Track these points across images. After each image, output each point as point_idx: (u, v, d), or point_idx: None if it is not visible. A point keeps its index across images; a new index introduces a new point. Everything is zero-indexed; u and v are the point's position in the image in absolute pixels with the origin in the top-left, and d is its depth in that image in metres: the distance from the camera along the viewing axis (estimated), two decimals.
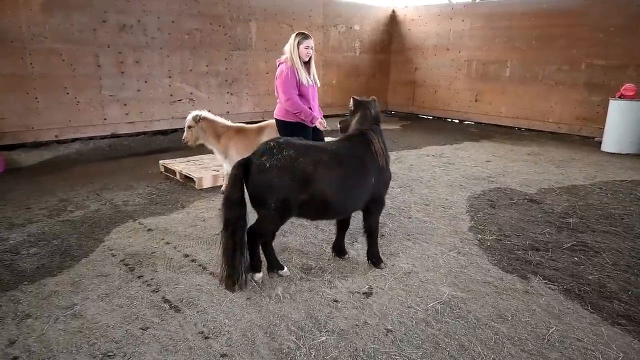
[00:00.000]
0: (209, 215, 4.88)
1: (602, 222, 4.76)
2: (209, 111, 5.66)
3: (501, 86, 10.97)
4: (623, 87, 8.27)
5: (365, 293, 3.32)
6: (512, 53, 10.65)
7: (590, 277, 3.60)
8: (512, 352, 2.68)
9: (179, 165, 6.30)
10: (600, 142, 8.69)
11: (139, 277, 3.52)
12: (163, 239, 4.25)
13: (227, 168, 5.55)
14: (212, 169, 6.17)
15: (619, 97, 8.27)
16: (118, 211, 4.98)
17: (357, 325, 2.92)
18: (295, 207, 3.23)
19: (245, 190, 3.23)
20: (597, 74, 9.32)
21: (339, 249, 3.88)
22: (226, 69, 9.75)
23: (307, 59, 4.56)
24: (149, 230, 4.46)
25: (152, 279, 3.49)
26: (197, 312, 3.04)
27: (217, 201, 5.32)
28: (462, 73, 11.73)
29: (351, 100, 3.78)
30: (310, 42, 4.50)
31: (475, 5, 11.34)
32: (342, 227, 3.82)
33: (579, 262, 3.86)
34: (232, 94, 9.96)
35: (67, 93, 7.68)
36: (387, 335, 2.82)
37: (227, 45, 9.65)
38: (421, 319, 2.99)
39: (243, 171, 3.16)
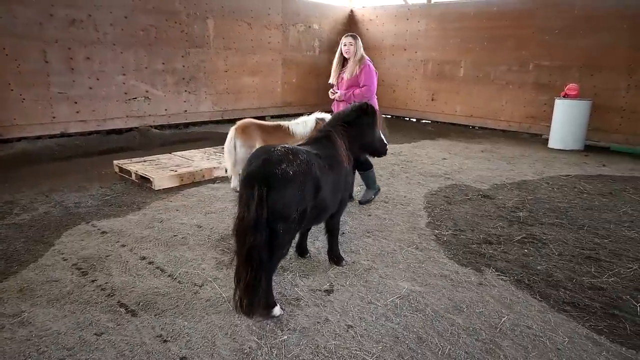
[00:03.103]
0: (166, 216, 4.76)
1: (549, 215, 5.02)
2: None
3: (456, 86, 11.32)
4: (567, 87, 8.74)
5: (327, 290, 3.35)
6: (466, 54, 11.00)
7: (538, 267, 3.79)
8: (467, 342, 2.78)
9: (135, 165, 6.11)
10: (547, 139, 9.15)
11: (92, 281, 3.38)
12: (118, 241, 4.11)
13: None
14: (170, 168, 6.02)
15: (564, 97, 8.73)
16: (69, 213, 4.77)
17: (318, 322, 2.94)
18: (307, 217, 3.02)
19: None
20: (544, 75, 9.79)
21: (301, 249, 3.89)
22: (183, 66, 9.53)
23: (347, 56, 5.01)
24: (103, 232, 4.30)
25: (106, 283, 3.36)
26: (155, 315, 2.97)
27: (175, 202, 5.21)
28: (419, 73, 12.01)
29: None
30: (346, 40, 4.93)
31: (430, 7, 11.64)
32: (307, 228, 3.83)
33: (529, 253, 4.06)
34: (189, 93, 9.75)
35: (12, 90, 7.28)
36: (347, 331, 2.86)
37: (183, 43, 9.44)
38: (381, 314, 3.05)
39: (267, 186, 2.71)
